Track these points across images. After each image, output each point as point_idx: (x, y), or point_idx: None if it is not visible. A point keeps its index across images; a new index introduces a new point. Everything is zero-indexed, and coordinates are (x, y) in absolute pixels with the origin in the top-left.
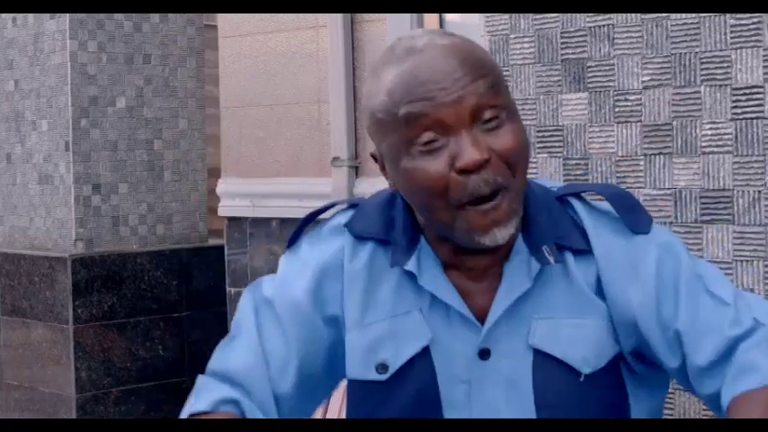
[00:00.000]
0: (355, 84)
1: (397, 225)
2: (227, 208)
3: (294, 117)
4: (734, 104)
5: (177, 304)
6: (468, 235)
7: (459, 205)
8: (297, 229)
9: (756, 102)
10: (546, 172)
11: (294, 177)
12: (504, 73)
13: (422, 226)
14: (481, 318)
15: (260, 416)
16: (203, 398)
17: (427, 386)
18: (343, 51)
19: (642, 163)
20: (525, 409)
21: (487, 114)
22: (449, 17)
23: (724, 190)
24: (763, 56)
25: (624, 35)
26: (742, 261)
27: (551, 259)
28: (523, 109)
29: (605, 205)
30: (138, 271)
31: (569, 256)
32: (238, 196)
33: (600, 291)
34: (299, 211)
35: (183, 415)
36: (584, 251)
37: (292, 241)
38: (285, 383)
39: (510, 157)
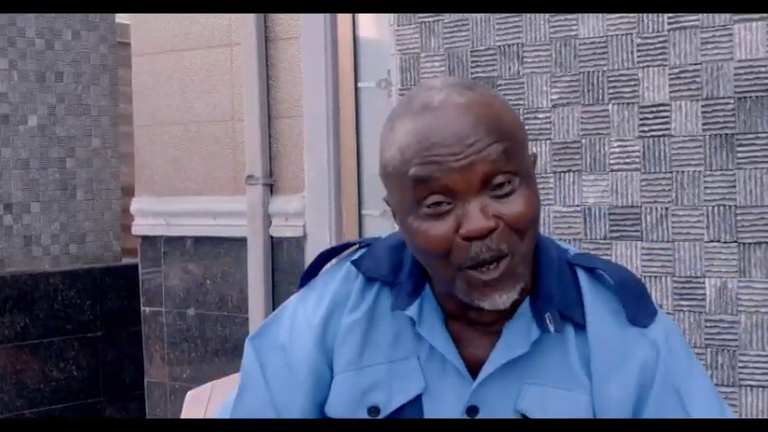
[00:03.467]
0: (270, 101)
1: (404, 269)
2: (140, 227)
3: (208, 135)
4: (641, 122)
5: (91, 324)
6: (468, 296)
7: (460, 268)
8: (310, 268)
9: (663, 119)
10: None
11: (208, 196)
12: None
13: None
14: (476, 371)
15: None
16: None
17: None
18: (257, 69)
19: (552, 180)
20: None
21: (499, 180)
22: (362, 34)
23: (632, 207)
24: (670, 74)
25: (533, 54)
26: (651, 277)
27: (552, 327)
28: None
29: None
30: (51, 291)
31: (570, 328)
32: (152, 215)
33: (588, 369)
34: (214, 229)
35: None
36: (582, 326)
37: (305, 280)
38: None
39: (519, 223)
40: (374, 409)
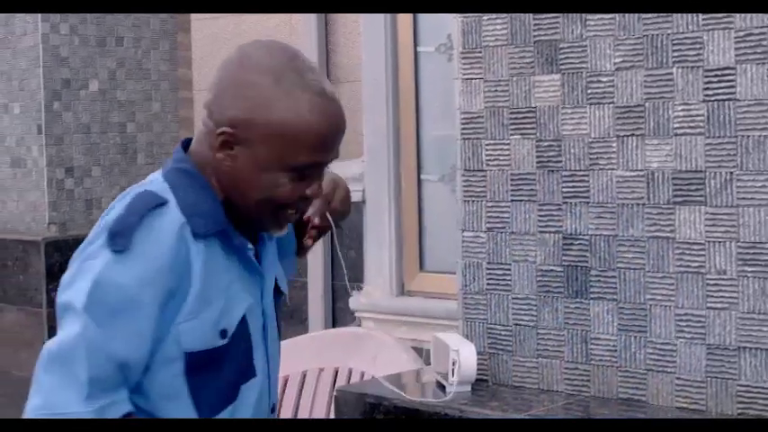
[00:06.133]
0: (329, 66)
1: (219, 212)
2: None
3: None
4: (706, 86)
5: None
6: (269, 228)
7: (279, 211)
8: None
9: (728, 83)
10: (519, 153)
11: None
12: (477, 54)
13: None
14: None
15: None
16: None
17: (246, 333)
18: (317, 33)
19: (615, 144)
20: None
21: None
22: None
23: (696, 171)
24: (735, 37)
25: (596, 16)
26: (714, 242)
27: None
28: (496, 90)
29: None
30: None
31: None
32: None
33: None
34: None
35: None
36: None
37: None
38: None
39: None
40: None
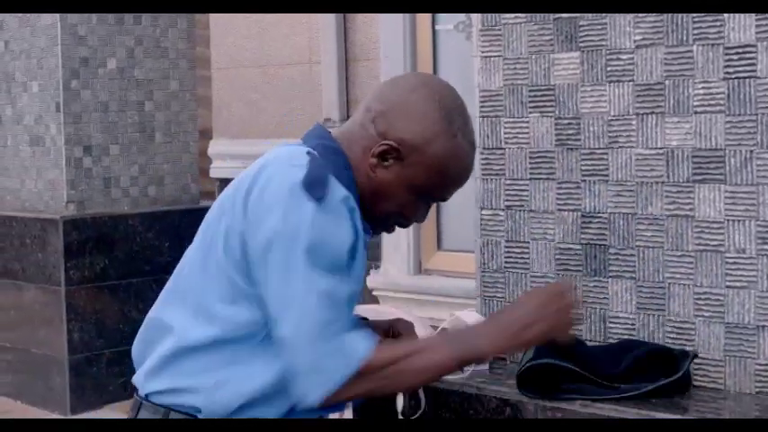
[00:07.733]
0: (347, 44)
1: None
2: (218, 169)
3: (285, 78)
4: (726, 64)
5: (169, 266)
6: (374, 231)
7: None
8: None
9: (749, 61)
10: (537, 131)
11: (286, 138)
12: (496, 32)
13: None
14: None
15: None
16: None
17: None
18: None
19: (634, 122)
20: None
21: None
22: None
23: (716, 149)
24: (755, 15)
25: None
26: (734, 220)
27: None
28: (515, 68)
29: None
30: (131, 233)
31: None
32: (230, 157)
33: None
34: None
35: None
36: None
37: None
38: None
39: None
40: None
